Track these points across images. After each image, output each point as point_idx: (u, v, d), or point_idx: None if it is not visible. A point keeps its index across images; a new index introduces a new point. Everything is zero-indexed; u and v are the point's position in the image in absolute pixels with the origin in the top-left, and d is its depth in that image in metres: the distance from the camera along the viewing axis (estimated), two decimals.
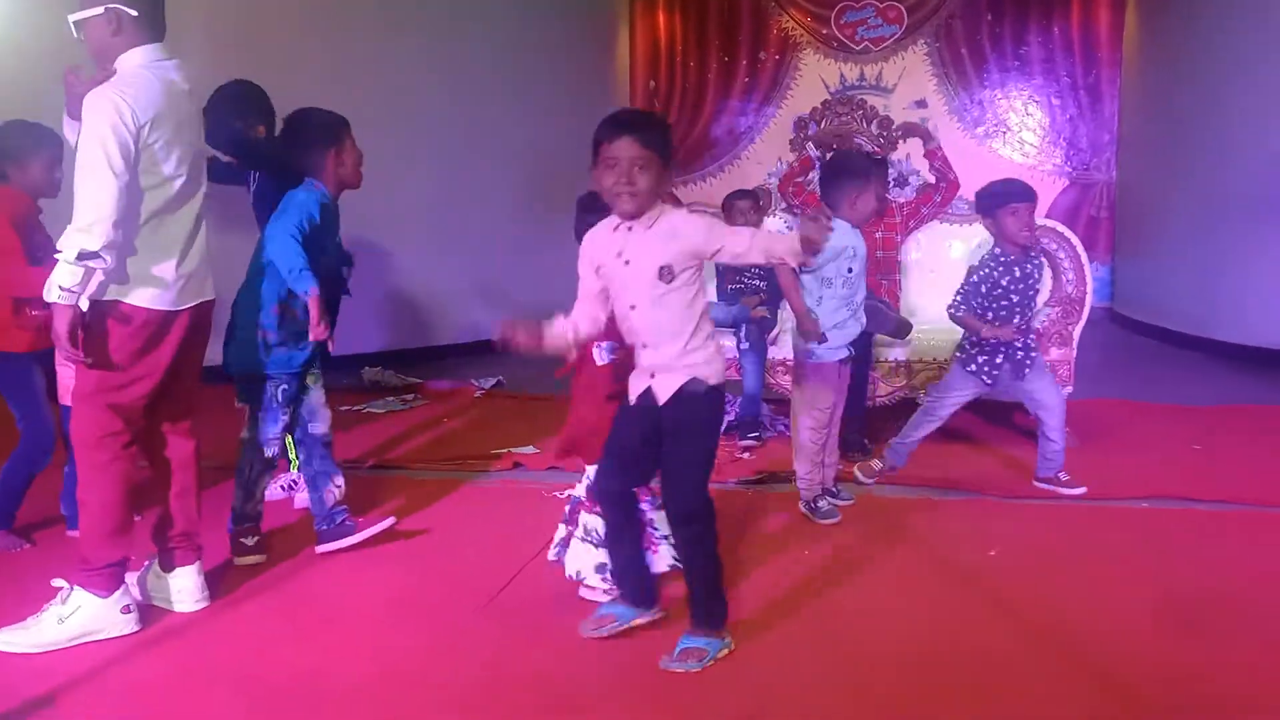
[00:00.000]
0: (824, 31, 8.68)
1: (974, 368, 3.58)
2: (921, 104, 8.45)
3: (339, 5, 6.45)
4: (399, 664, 2.39)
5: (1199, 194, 6.80)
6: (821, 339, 3.30)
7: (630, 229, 2.29)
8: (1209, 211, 6.56)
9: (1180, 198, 7.09)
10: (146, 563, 2.72)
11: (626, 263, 2.28)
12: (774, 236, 2.39)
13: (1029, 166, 8.39)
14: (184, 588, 2.65)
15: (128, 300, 2.43)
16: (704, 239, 2.25)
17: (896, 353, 4.35)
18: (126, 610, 2.51)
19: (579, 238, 2.51)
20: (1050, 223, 4.37)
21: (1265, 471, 3.79)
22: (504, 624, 2.59)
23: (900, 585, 2.85)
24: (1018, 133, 8.45)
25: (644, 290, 2.26)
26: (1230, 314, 6.31)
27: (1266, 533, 3.22)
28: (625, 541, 2.51)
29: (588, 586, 2.68)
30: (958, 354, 3.68)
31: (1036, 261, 3.56)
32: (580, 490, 2.74)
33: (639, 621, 2.48)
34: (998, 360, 3.55)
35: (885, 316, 4.12)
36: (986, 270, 3.53)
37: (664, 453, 2.36)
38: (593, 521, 2.64)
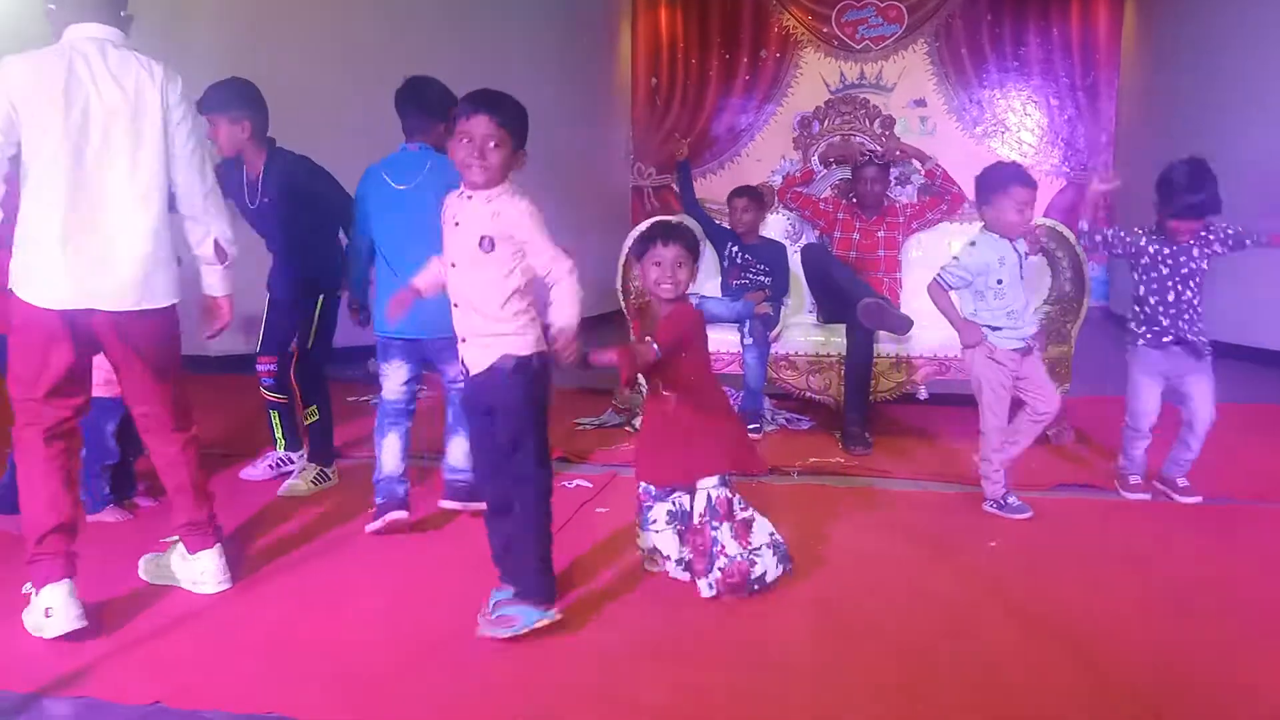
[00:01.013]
0: (824, 30, 8.74)
1: (1143, 342, 3.48)
2: (921, 103, 8.52)
3: (338, 5, 6.49)
4: (421, 640, 2.44)
5: None
6: (979, 340, 3.36)
7: (470, 198, 2.44)
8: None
9: None
10: (169, 545, 2.79)
11: (456, 224, 2.45)
12: (567, 288, 2.42)
13: (1027, 166, 8.43)
14: (205, 569, 2.71)
15: (17, 291, 2.42)
16: (517, 231, 2.42)
17: (897, 348, 4.41)
18: (47, 614, 2.40)
19: None
20: (1049, 221, 4.44)
21: (1260, 467, 3.87)
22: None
23: (901, 576, 2.90)
24: (1016, 132, 8.53)
25: (464, 253, 2.44)
26: (1226, 314, 6.35)
27: (1264, 527, 3.29)
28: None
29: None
30: (1126, 341, 3.59)
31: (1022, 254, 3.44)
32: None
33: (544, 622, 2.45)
34: (1164, 340, 3.45)
35: (887, 313, 4.19)
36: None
37: (493, 426, 2.53)
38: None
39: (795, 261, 4.78)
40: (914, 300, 4.76)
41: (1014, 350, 3.39)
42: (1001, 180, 3.35)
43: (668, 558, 2.71)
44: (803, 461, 3.98)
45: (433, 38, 6.86)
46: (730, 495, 2.65)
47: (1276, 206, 5.46)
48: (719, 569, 2.62)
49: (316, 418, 3.76)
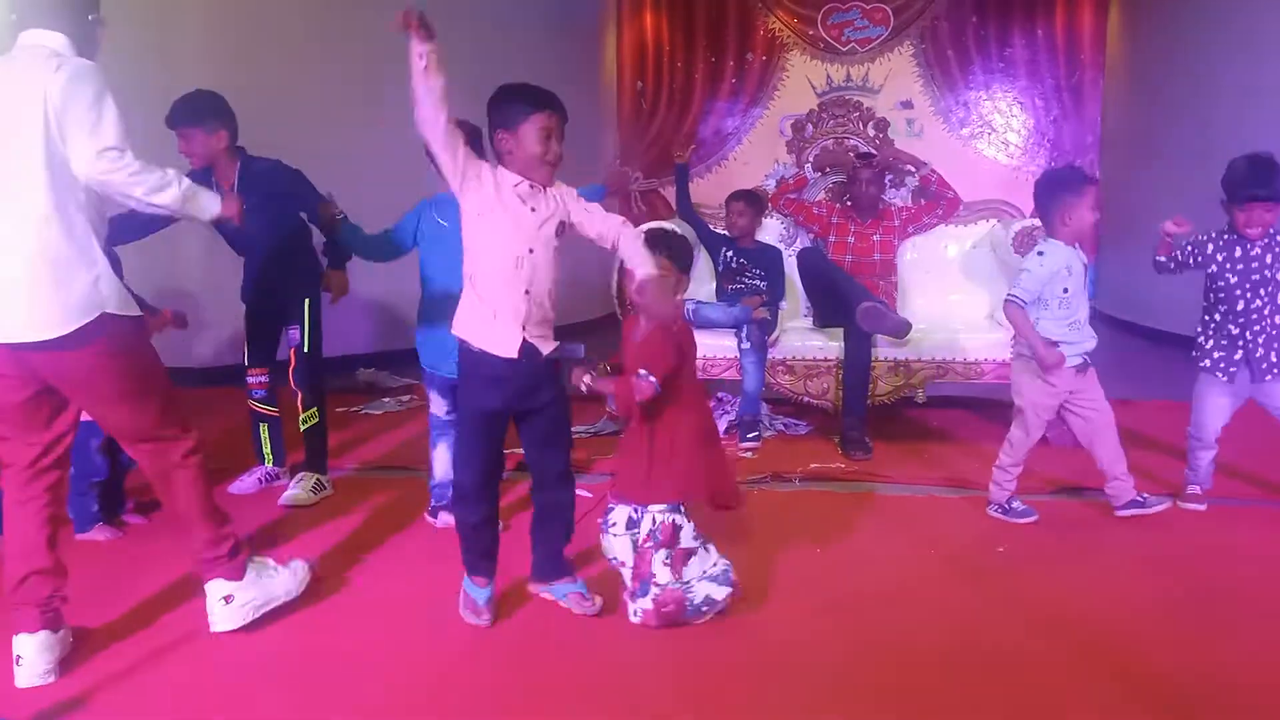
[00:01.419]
0: (810, 33, 8.71)
1: (1208, 364, 3.43)
2: (908, 105, 8.50)
3: (322, 6, 6.41)
4: (432, 652, 2.40)
5: (1182, 194, 6.88)
6: (1060, 363, 3.23)
7: (541, 189, 2.47)
8: (1192, 212, 6.63)
9: (1163, 198, 7.18)
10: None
11: (533, 210, 2.45)
12: (633, 239, 2.49)
13: (1013, 167, 8.47)
14: (209, 606, 2.53)
15: None
16: (574, 214, 2.51)
17: (895, 352, 4.38)
18: (17, 661, 2.27)
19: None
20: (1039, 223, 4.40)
21: (1261, 467, 3.85)
22: (530, 615, 2.61)
23: (911, 580, 2.87)
24: (1002, 133, 8.52)
25: (543, 241, 2.46)
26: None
27: (1269, 527, 3.27)
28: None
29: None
30: (1194, 355, 3.52)
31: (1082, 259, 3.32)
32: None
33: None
34: (1235, 357, 3.37)
35: (886, 317, 4.15)
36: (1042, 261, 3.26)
37: (549, 414, 2.57)
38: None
39: (791, 265, 4.74)
40: (910, 303, 4.75)
41: (1071, 368, 3.28)
42: (1075, 182, 3.25)
43: (623, 564, 2.63)
44: (804, 468, 3.94)
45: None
46: (680, 522, 2.54)
47: None
48: (650, 598, 2.53)
49: (316, 420, 3.72)
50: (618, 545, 2.60)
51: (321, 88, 6.26)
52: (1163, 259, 3.53)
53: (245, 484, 3.75)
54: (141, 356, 2.38)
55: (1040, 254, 3.25)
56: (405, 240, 3.35)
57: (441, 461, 3.34)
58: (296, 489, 3.61)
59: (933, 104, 8.58)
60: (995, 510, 3.39)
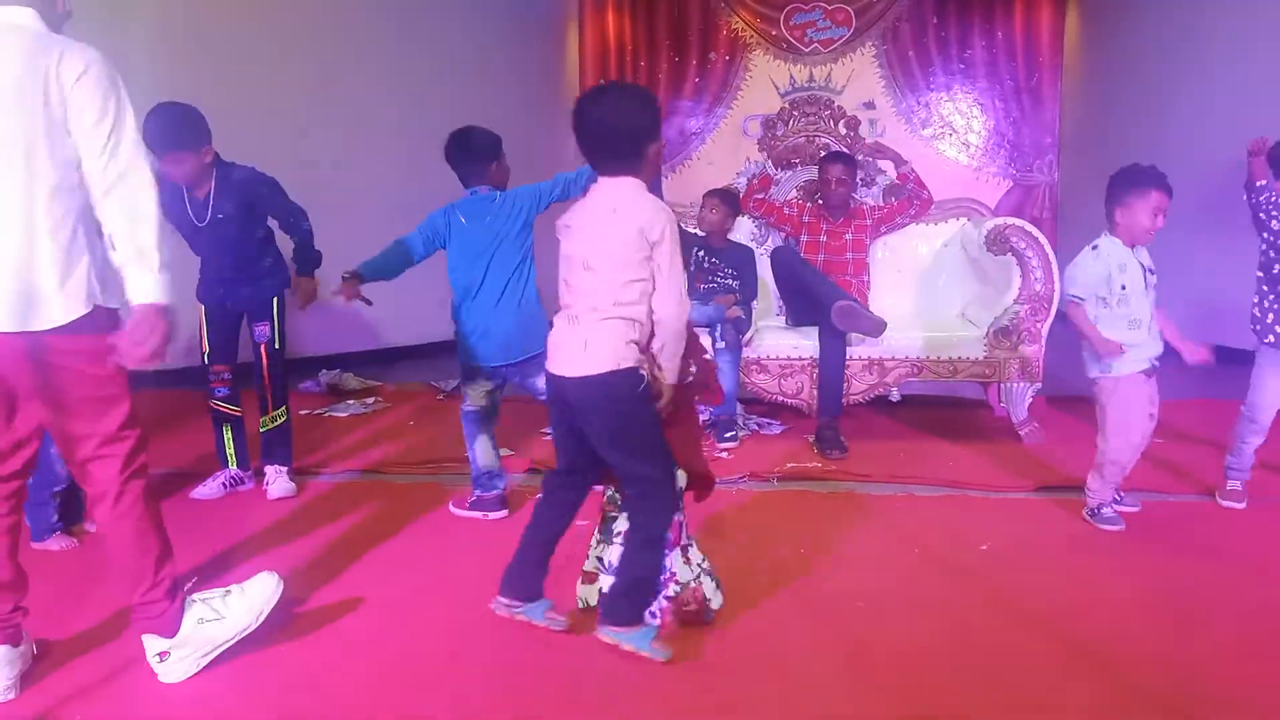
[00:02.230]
0: (773, 33, 8.71)
1: (1273, 339, 3.35)
2: (870, 105, 8.53)
3: (283, 5, 6.28)
4: (404, 666, 2.33)
5: None
6: (1117, 354, 3.14)
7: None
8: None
9: None
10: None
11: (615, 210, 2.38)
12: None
13: (974, 168, 8.54)
14: (148, 658, 2.27)
15: None
16: None
17: (869, 351, 4.36)
18: None
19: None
20: (1018, 222, 4.43)
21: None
22: (509, 626, 2.54)
23: (894, 580, 2.85)
24: (963, 134, 8.58)
25: None
26: (1172, 312, 6.48)
27: (1242, 524, 3.30)
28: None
29: None
30: (1255, 330, 3.44)
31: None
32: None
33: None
34: None
35: (860, 316, 4.14)
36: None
37: None
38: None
39: (764, 265, 4.71)
40: (882, 302, 4.74)
41: (1140, 372, 3.18)
42: (1142, 183, 3.15)
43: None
44: (781, 468, 3.91)
45: (376, 46, 6.70)
46: (682, 519, 2.51)
47: (1213, 208, 5.55)
48: (666, 597, 2.49)
49: (285, 418, 3.68)
50: (615, 553, 2.54)
51: (266, 80, 6.12)
52: (1261, 184, 3.43)
53: (209, 489, 3.64)
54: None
55: (1094, 248, 3.20)
56: (417, 246, 3.39)
57: (483, 450, 3.43)
58: (282, 480, 3.62)
59: (894, 105, 8.62)
60: (1087, 514, 3.30)
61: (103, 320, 2.11)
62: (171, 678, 2.25)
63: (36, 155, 2.03)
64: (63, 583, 2.83)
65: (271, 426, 3.65)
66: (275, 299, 3.61)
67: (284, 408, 3.67)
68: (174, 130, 3.26)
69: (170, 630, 2.25)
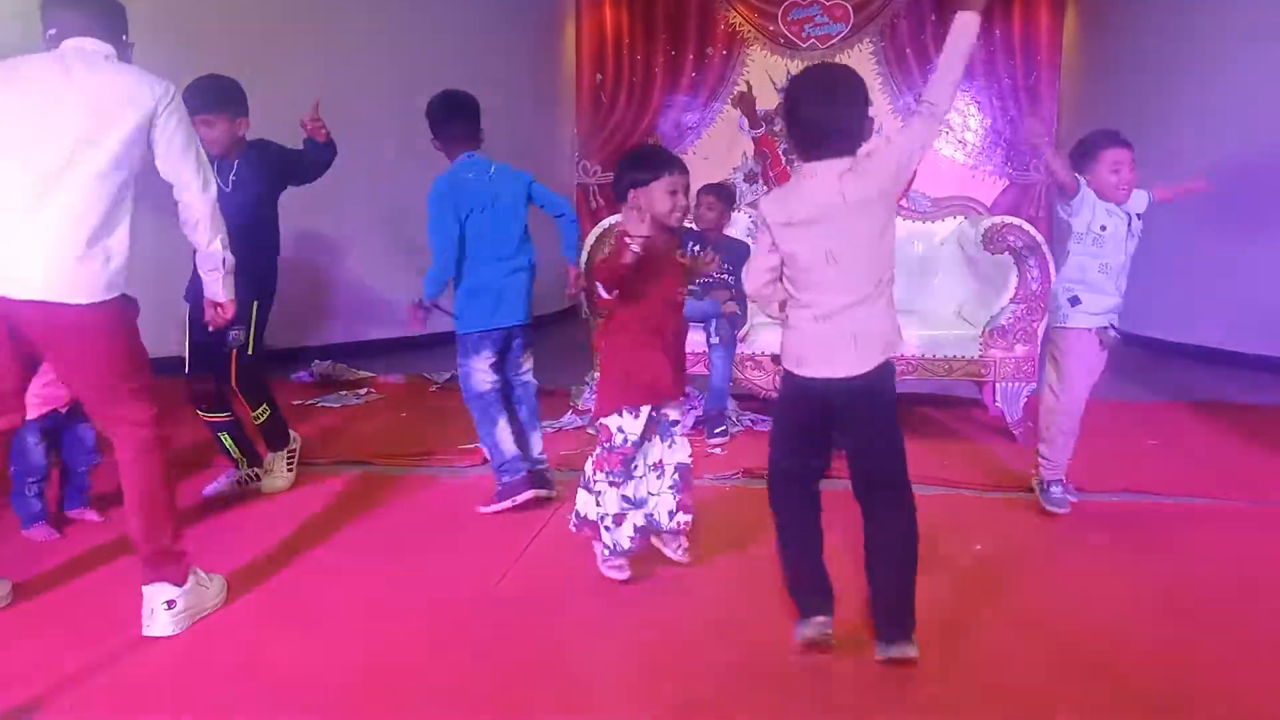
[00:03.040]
0: (770, 28, 8.69)
1: None
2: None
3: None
4: (396, 659, 2.32)
5: None
6: (1040, 136, 3.24)
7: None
8: (1151, 215, 6.74)
9: None
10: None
11: None
12: None
13: (970, 166, 8.53)
14: (147, 609, 2.44)
15: None
16: None
17: None
18: None
19: None
20: (1016, 221, 4.42)
21: (1222, 466, 3.89)
22: (501, 616, 2.53)
23: None
24: (960, 132, 8.57)
25: None
26: (1169, 313, 6.49)
27: (1233, 526, 3.29)
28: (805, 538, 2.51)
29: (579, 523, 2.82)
30: None
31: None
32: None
33: None
34: None
35: None
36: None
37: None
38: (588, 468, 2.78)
39: None
40: None
41: (1094, 330, 3.29)
42: (1091, 146, 3.24)
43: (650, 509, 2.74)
44: None
45: (373, 40, 6.65)
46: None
47: (1213, 208, 5.55)
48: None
49: (268, 413, 3.60)
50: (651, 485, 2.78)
51: (260, 73, 6.07)
52: None
53: (221, 486, 3.57)
54: (136, 336, 2.48)
55: (1086, 183, 3.23)
56: (454, 230, 3.27)
57: (505, 437, 3.34)
58: (273, 478, 3.59)
59: (891, 101, 8.60)
60: (1036, 485, 3.40)
61: (125, 305, 2.41)
62: (164, 631, 2.39)
63: (102, 159, 2.29)
64: (48, 573, 2.81)
65: (257, 424, 3.59)
66: (256, 303, 3.45)
67: (264, 405, 3.58)
68: (209, 93, 3.29)
69: (181, 578, 2.44)
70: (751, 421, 4.59)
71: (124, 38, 2.50)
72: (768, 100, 7.91)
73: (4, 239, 2.25)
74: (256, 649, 2.37)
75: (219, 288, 2.68)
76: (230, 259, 2.66)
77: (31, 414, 2.97)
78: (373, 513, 3.34)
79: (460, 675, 2.26)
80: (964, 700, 2.17)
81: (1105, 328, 3.30)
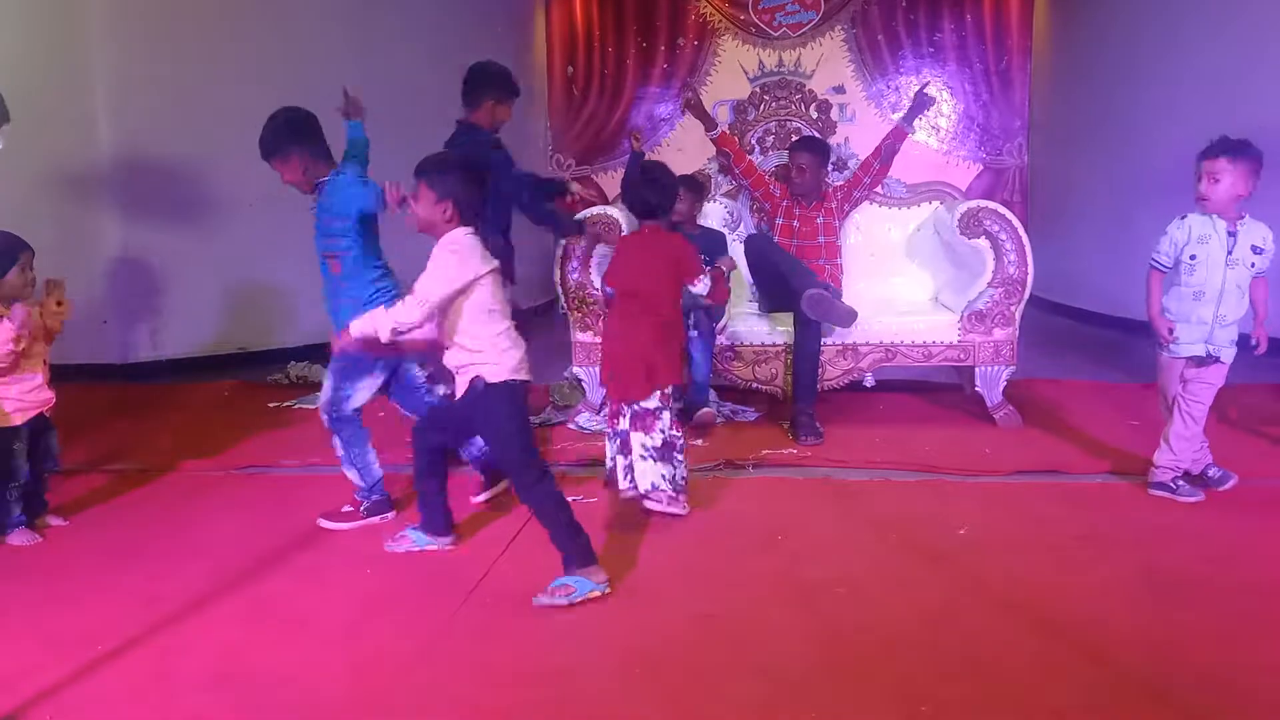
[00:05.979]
0: (742, 17, 8.66)
1: None
2: (840, 90, 8.50)
3: None
4: (380, 661, 2.29)
5: (1108, 178, 7.02)
6: (1170, 339, 3.26)
7: None
8: (1118, 195, 6.78)
9: (1090, 182, 7.31)
10: None
11: None
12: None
13: (944, 152, 8.55)
14: None
15: None
16: None
17: (843, 336, 4.34)
18: None
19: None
20: (992, 205, 4.42)
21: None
22: (485, 615, 2.52)
23: (872, 565, 2.84)
24: (932, 118, 8.56)
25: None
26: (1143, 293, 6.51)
27: (1219, 506, 3.31)
28: (434, 477, 2.92)
29: (653, 499, 3.14)
30: None
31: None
32: (626, 423, 3.21)
33: (431, 547, 2.94)
34: None
35: (831, 306, 4.09)
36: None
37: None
38: (649, 440, 3.17)
39: (736, 251, 4.67)
40: (855, 286, 4.72)
41: (1190, 359, 3.27)
42: (1203, 152, 3.19)
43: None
44: (756, 455, 3.88)
45: (342, 31, 6.56)
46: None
47: (1183, 189, 5.58)
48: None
49: None
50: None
51: (230, 68, 6.00)
52: None
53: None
54: None
55: (1181, 218, 3.25)
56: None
57: (373, 460, 3.31)
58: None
59: (864, 89, 8.60)
60: (1157, 489, 3.37)
61: None
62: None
63: None
64: (30, 579, 2.78)
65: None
66: None
67: None
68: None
69: None
70: (732, 413, 4.57)
71: None
72: (740, 91, 7.92)
73: None
74: (236, 655, 2.34)
75: None
76: None
77: (18, 420, 3.01)
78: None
79: (448, 678, 2.23)
80: (947, 685, 2.16)
81: (1201, 356, 3.27)
